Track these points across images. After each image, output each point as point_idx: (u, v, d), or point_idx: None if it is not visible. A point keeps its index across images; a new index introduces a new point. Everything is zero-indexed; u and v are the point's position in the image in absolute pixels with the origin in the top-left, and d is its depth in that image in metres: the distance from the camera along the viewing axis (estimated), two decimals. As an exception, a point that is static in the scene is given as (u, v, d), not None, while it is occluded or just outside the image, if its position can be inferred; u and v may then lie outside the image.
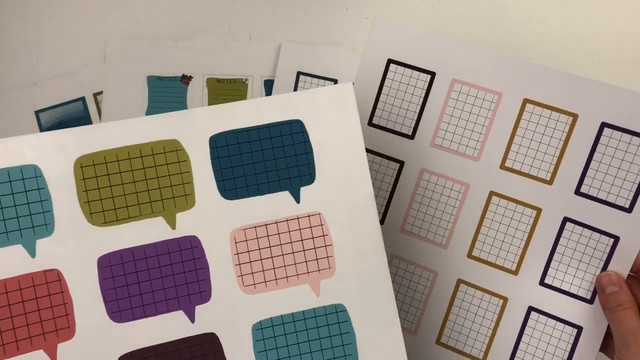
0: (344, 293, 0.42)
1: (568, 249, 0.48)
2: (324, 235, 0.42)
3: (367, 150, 0.50)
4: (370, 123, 0.51)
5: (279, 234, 0.42)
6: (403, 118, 0.50)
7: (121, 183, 0.40)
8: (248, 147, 0.42)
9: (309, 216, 0.42)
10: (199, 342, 0.41)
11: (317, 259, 0.42)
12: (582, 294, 0.48)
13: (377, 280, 0.42)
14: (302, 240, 0.42)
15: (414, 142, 0.50)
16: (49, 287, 0.38)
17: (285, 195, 0.42)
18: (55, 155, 0.39)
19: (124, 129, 0.40)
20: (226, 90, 0.59)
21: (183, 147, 0.41)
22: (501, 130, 0.48)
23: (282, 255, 0.42)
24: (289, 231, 0.42)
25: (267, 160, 0.42)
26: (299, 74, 0.59)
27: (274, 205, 0.42)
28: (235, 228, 0.41)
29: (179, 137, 0.41)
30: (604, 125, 0.46)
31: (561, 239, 0.48)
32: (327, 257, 0.42)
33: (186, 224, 0.41)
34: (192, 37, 0.52)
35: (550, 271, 0.48)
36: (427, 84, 0.48)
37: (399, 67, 0.48)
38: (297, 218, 0.42)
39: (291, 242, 0.42)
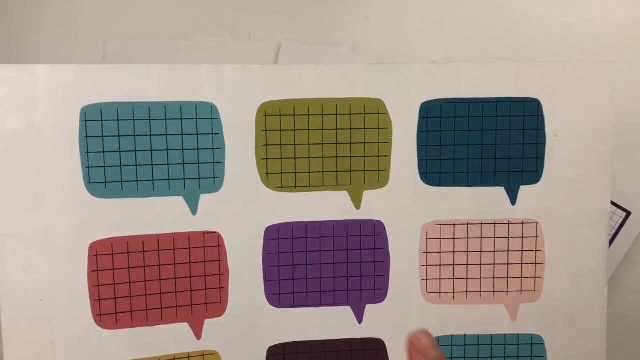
0: (545, 323, 0.34)
1: None
2: (536, 250, 0.33)
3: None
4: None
5: (481, 238, 0.33)
6: None
7: (307, 143, 0.32)
8: (466, 123, 0.33)
9: (523, 223, 0.33)
10: (362, 347, 0.34)
11: (521, 278, 0.34)
12: None
13: (591, 315, 0.34)
14: (508, 251, 0.34)
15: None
16: (206, 252, 0.32)
17: (499, 193, 0.33)
18: (237, 96, 0.31)
19: (322, 74, 0.32)
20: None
21: (387, 110, 0.32)
22: None
23: (480, 264, 0.34)
24: (495, 237, 0.33)
25: (486, 144, 0.33)
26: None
27: (482, 202, 0.33)
28: (429, 221, 0.33)
29: (385, 96, 0.32)
30: None
31: None
32: (535, 277, 0.34)
33: (373, 205, 0.33)
34: (191, 37, 0.50)
35: None
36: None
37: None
38: (509, 223, 0.33)
39: (494, 251, 0.34)
